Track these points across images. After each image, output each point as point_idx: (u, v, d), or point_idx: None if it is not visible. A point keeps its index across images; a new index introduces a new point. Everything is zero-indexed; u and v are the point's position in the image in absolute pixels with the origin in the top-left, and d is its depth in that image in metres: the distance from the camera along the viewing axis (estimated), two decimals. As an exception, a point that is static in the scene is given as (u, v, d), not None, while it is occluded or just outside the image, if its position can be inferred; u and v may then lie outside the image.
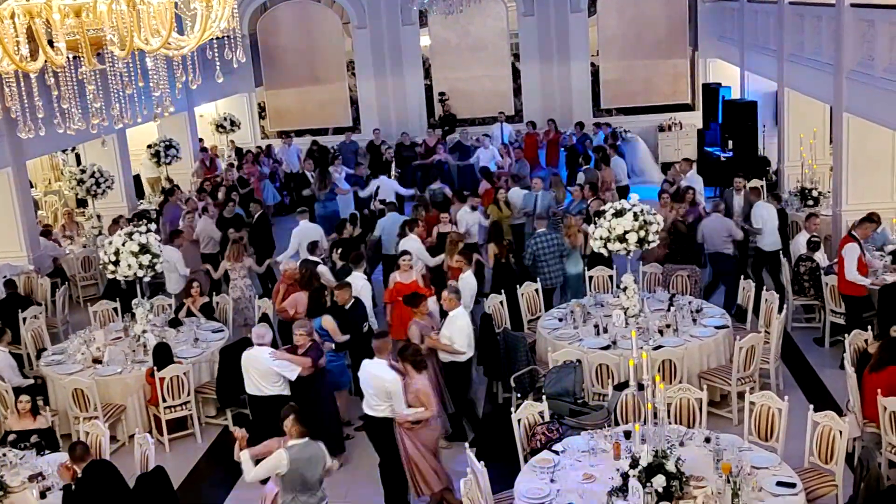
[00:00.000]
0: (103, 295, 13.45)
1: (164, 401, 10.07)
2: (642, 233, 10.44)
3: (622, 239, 10.43)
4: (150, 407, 10.38)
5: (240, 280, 12.68)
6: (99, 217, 16.99)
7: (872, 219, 11.57)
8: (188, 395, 10.22)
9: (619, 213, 10.52)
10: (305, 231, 13.93)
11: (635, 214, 10.47)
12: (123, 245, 10.78)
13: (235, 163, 21.82)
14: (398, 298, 11.10)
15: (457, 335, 9.57)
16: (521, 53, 25.62)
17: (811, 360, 11.65)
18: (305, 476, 7.18)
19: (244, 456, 7.38)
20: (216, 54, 5.14)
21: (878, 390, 8.28)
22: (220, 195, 17.28)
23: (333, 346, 10.12)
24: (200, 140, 22.81)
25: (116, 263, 10.78)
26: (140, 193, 20.60)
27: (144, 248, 10.80)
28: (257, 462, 7.33)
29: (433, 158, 21.11)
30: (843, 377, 10.39)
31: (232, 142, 24.48)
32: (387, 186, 17.30)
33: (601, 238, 10.59)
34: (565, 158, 21.12)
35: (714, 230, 12.90)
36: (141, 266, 10.78)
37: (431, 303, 10.79)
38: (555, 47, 25.08)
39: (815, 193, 15.35)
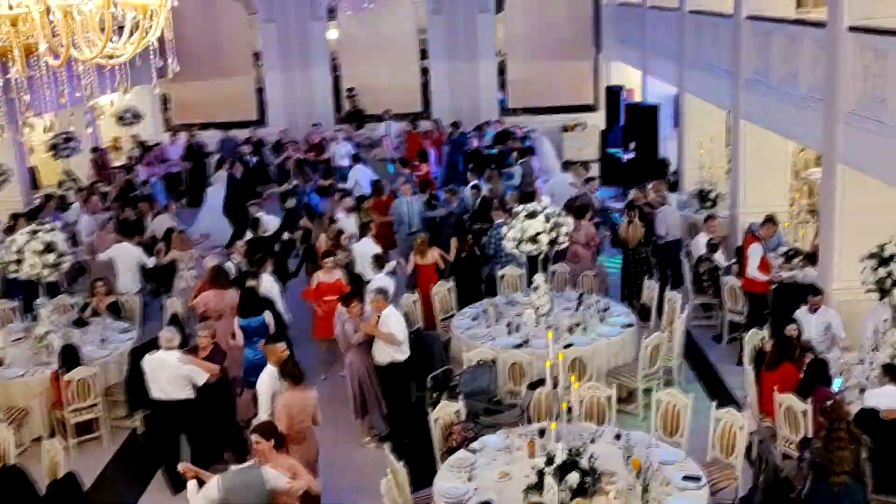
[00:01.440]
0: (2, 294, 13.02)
1: (71, 403, 9.84)
2: (553, 234, 10.71)
3: (534, 240, 10.68)
4: (54, 410, 10.11)
5: (186, 271, 12.47)
6: (-6, 210, 16.39)
7: (774, 220, 12.16)
8: (96, 397, 10.01)
9: (531, 215, 10.76)
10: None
11: (546, 217, 10.74)
12: (27, 243, 10.47)
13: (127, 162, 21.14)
14: (323, 298, 11.12)
15: (392, 328, 9.62)
16: (429, 51, 25.78)
17: (710, 357, 12.15)
18: None
19: (193, 491, 6.89)
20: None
21: (775, 387, 8.71)
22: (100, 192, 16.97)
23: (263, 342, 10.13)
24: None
25: (19, 262, 10.47)
26: (36, 186, 19.98)
27: (49, 247, 10.51)
28: None
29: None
30: (741, 373, 10.90)
31: (134, 136, 23.94)
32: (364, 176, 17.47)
33: (514, 239, 10.81)
34: (462, 159, 21.32)
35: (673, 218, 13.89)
36: (45, 266, 10.49)
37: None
38: (462, 46, 25.30)
39: (712, 195, 15.92)
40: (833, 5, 10.40)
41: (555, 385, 9.05)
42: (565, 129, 25.13)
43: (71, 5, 4.02)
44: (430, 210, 15.43)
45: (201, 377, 9.13)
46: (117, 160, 22.64)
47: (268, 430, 7.28)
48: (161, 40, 5.00)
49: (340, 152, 21.12)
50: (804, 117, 11.54)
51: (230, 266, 11.82)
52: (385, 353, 9.75)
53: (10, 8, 4.01)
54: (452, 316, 11.93)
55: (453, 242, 12.96)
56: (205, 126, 25.03)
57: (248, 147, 22.35)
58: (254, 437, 7.17)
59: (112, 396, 10.50)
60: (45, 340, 10.60)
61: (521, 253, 10.89)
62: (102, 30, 4.42)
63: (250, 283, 10.74)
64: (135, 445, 10.35)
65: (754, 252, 11.47)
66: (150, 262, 12.97)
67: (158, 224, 14.68)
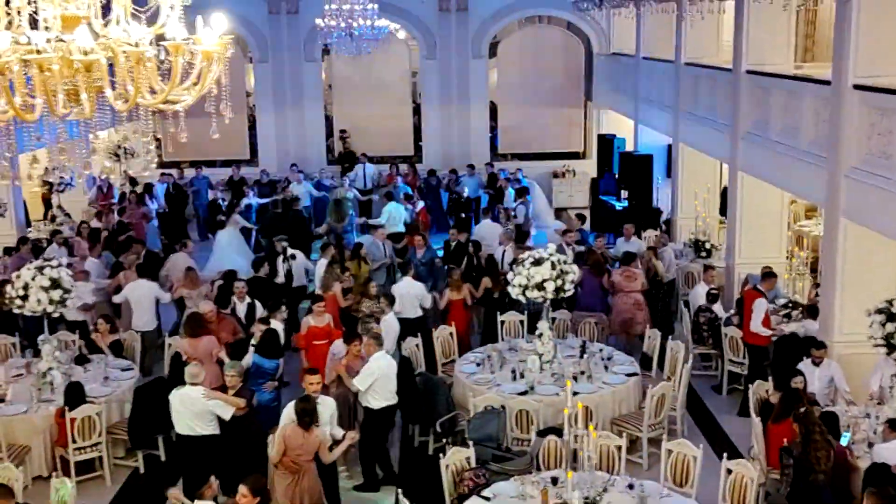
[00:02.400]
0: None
1: (75, 442, 9.74)
2: (559, 281, 10.79)
3: (540, 287, 10.75)
4: (57, 448, 10.00)
5: (196, 308, 12.38)
6: (-13, 245, 16.30)
7: (773, 274, 12.32)
8: (100, 436, 9.91)
9: (537, 262, 10.84)
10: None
11: (553, 263, 10.82)
12: (33, 279, 10.43)
13: (115, 207, 20.68)
14: (313, 342, 11.12)
15: (361, 375, 9.63)
16: (422, 95, 26.03)
17: (710, 407, 12.20)
18: None
19: None
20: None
21: (784, 440, 8.77)
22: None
23: (276, 384, 10.10)
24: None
25: (25, 298, 10.41)
26: (29, 222, 19.85)
27: (55, 283, 10.47)
28: None
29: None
30: (742, 423, 11.01)
31: (125, 172, 23.88)
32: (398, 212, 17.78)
33: (519, 286, 10.87)
34: (448, 203, 21.49)
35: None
36: (51, 301, 10.44)
37: (339, 344, 10.81)
38: (455, 91, 25.54)
39: (707, 245, 16.12)
40: (838, 64, 10.65)
41: (561, 434, 9.13)
42: (555, 175, 25.40)
43: (144, 52, 4.09)
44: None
45: (227, 411, 9.09)
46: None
47: (258, 487, 7.27)
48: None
49: (300, 191, 21.10)
50: (805, 171, 11.74)
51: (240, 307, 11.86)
52: (377, 398, 9.75)
53: (85, 53, 4.06)
54: (453, 361, 11.99)
55: (485, 281, 13.27)
56: (195, 164, 25.02)
57: (221, 187, 22.29)
58: (241, 489, 7.16)
59: (114, 435, 10.38)
60: (48, 377, 10.50)
61: (529, 300, 10.97)
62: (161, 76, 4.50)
63: (269, 325, 10.78)
64: (136, 485, 10.23)
65: (759, 307, 11.58)
66: (166, 297, 12.91)
67: (174, 262, 14.63)
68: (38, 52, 4.02)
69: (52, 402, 10.20)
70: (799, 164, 11.99)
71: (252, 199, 20.56)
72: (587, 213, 21.10)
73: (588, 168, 25.58)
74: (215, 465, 9.21)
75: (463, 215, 20.25)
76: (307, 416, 8.31)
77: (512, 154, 26.45)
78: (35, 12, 4.54)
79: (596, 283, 13.47)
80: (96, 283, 13.39)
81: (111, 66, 4.49)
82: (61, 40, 4.14)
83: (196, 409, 9.10)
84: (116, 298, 13.07)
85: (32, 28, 4.29)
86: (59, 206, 20.00)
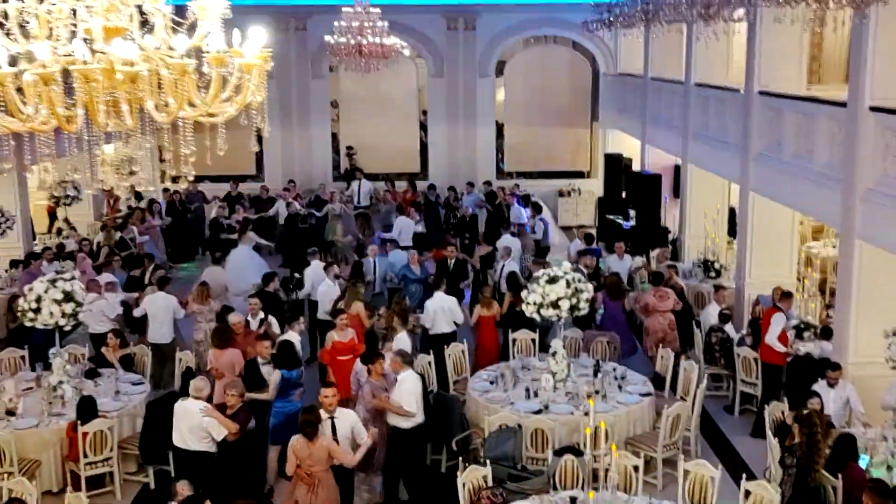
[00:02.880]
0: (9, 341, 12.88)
1: (86, 456, 9.67)
2: (574, 300, 10.76)
3: (555, 305, 10.72)
4: (67, 462, 9.93)
5: (205, 323, 12.40)
6: (-5, 257, 16.30)
7: (791, 293, 12.35)
8: (111, 450, 9.85)
9: (552, 280, 10.82)
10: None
11: (568, 282, 10.80)
12: (46, 292, 10.39)
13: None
14: (337, 358, 11.08)
15: (404, 398, 9.55)
16: (428, 113, 26.07)
17: (722, 428, 12.14)
18: None
19: None
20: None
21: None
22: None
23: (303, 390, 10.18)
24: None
25: (37, 311, 10.37)
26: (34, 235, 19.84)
27: (68, 296, 10.43)
28: None
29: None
30: (755, 444, 10.97)
31: (131, 186, 23.88)
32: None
33: (534, 304, 10.84)
34: (447, 221, 21.49)
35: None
36: (64, 315, 10.40)
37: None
38: (461, 109, 25.61)
39: (716, 265, 16.10)
40: (854, 86, 10.67)
41: (579, 453, 9.08)
42: (561, 194, 25.43)
43: (187, 64, 4.08)
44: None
45: (219, 432, 9.06)
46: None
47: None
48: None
49: (284, 211, 21.04)
50: (819, 193, 11.75)
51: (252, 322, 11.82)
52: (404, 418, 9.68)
53: (132, 65, 4.04)
54: (465, 378, 11.95)
55: (508, 296, 13.28)
56: (199, 178, 24.98)
57: (217, 202, 22.21)
58: None
59: (124, 450, 10.31)
60: (59, 391, 10.45)
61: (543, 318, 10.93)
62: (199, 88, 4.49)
63: (286, 336, 10.76)
64: (147, 500, 10.15)
65: (776, 322, 11.57)
66: (181, 313, 12.87)
67: (212, 275, 14.62)
68: (84, 62, 4.01)
69: (63, 416, 10.14)
70: (813, 185, 11.99)
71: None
72: (594, 232, 21.13)
73: (594, 187, 25.62)
74: (206, 482, 9.19)
75: (467, 238, 20.02)
76: (309, 427, 8.32)
77: (517, 172, 26.50)
78: (75, 24, 4.54)
79: (616, 306, 13.46)
80: (126, 296, 13.40)
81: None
82: (103, 52, 4.12)
83: (191, 423, 9.10)
84: (137, 312, 13.06)
85: (72, 39, 4.28)
86: (66, 220, 19.99)
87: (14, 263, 16.63)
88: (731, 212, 18.86)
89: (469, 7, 24.69)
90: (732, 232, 18.79)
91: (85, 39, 4.34)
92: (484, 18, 25.02)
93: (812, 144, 12.14)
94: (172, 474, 10.32)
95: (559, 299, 10.71)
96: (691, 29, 17.10)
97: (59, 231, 19.40)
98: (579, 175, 26.58)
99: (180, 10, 4.78)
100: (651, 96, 20.95)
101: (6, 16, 4.15)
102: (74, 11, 4.53)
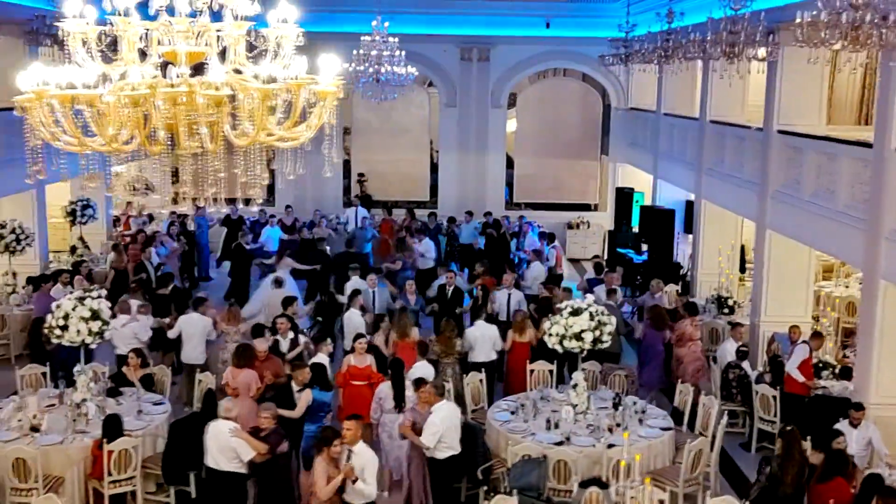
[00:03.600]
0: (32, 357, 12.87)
1: (110, 475, 9.66)
2: (597, 332, 10.82)
3: (578, 337, 10.78)
4: (90, 480, 9.92)
5: (232, 344, 12.41)
6: (14, 275, 16.30)
7: (821, 334, 12.55)
8: (135, 469, 9.84)
9: (575, 312, 10.88)
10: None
11: (591, 314, 10.86)
12: (74, 310, 10.43)
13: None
14: (351, 382, 11.10)
15: (426, 431, 9.54)
16: (440, 142, 26.24)
17: (739, 464, 12.16)
18: None
19: None
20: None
21: (830, 501, 8.75)
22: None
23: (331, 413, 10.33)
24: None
25: (64, 328, 10.40)
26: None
27: (95, 315, 10.48)
28: None
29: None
30: (773, 482, 10.93)
31: (142, 206, 24.00)
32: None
33: (557, 335, 10.90)
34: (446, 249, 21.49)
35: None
36: (90, 332, 10.44)
37: (386, 387, 10.84)
38: (473, 139, 25.76)
39: (730, 302, 16.17)
40: (880, 126, 10.81)
41: (604, 485, 9.10)
42: (569, 226, 25.55)
43: (271, 90, 4.16)
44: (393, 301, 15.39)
45: (247, 453, 9.08)
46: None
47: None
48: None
49: (273, 236, 20.92)
50: (842, 232, 11.85)
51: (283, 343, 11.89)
52: (442, 448, 9.67)
53: (217, 89, 4.13)
54: (482, 408, 11.99)
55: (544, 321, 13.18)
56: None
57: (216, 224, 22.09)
58: None
59: (145, 470, 10.29)
60: (83, 408, 10.45)
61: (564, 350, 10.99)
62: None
63: (316, 359, 10.83)
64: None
65: (799, 352, 11.66)
66: (213, 334, 12.90)
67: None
68: (172, 85, 4.09)
69: (87, 433, 10.15)
70: (834, 224, 12.10)
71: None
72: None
73: (602, 220, 25.76)
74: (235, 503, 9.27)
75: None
76: (318, 442, 8.43)
77: (526, 203, 26.65)
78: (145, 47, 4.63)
79: (657, 337, 13.55)
80: (157, 321, 13.43)
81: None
82: (192, 76, 4.21)
83: (220, 444, 9.14)
84: (171, 333, 13.07)
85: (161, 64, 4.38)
86: (80, 238, 20.04)
87: (31, 281, 16.67)
88: (742, 249, 19.02)
89: (483, 38, 24.92)
90: (742, 268, 18.93)
91: (165, 64, 4.43)
92: (498, 50, 25.24)
93: (834, 184, 12.25)
94: (193, 496, 10.38)
95: (582, 331, 10.77)
96: (707, 66, 17.31)
97: (74, 249, 19.40)
98: (587, 208, 26.77)
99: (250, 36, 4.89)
100: (663, 131, 21.13)
101: (100, 39, 4.25)
102: (146, 34, 4.62)
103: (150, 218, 23.63)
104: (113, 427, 9.76)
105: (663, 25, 16.14)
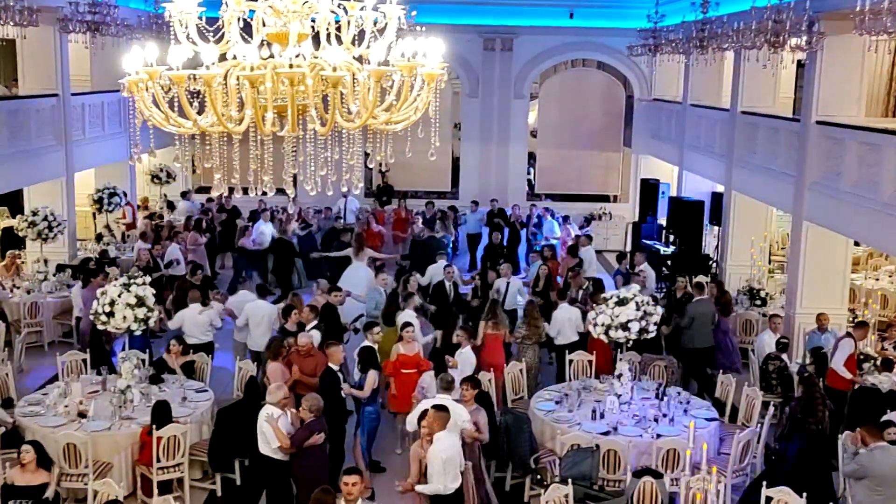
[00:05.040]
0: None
1: (159, 461, 9.66)
2: (643, 322, 10.78)
3: (625, 327, 10.74)
4: (138, 466, 9.92)
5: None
6: (46, 262, 16.30)
7: (866, 323, 12.60)
8: (183, 456, 9.84)
9: (621, 302, 10.84)
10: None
11: (637, 304, 10.82)
12: (119, 296, 10.42)
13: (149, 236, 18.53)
14: (401, 371, 11.09)
15: (430, 471, 8.78)
16: (462, 132, 26.17)
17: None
18: None
19: None
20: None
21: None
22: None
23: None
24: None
25: (111, 315, 10.39)
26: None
27: (141, 301, 10.47)
28: None
29: None
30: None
31: (164, 196, 23.97)
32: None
33: (603, 325, 10.86)
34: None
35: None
36: (136, 319, 10.43)
37: (428, 377, 10.82)
38: (495, 130, 25.67)
39: (762, 294, 16.11)
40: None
41: (657, 475, 9.08)
42: (591, 217, 25.46)
43: (386, 72, 4.12)
44: None
45: (274, 441, 9.11)
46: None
47: None
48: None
49: (265, 231, 19.69)
50: (886, 223, 11.77)
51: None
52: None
53: (335, 70, 4.08)
54: (522, 398, 11.98)
55: None
56: (229, 190, 24.87)
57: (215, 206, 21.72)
58: None
59: (192, 456, 10.28)
60: (128, 394, 10.44)
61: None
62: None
63: (366, 343, 11.06)
64: (216, 508, 10.16)
65: (843, 347, 11.61)
66: (277, 323, 12.83)
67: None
68: (291, 66, 4.05)
69: (134, 419, 10.15)
70: (877, 215, 12.01)
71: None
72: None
73: (624, 212, 25.70)
74: (275, 488, 9.34)
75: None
76: None
77: (547, 194, 26.60)
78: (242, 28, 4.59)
79: (727, 322, 14.03)
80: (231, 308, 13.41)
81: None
82: (315, 57, 4.17)
83: (259, 429, 9.21)
84: (239, 321, 13.02)
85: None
86: (106, 226, 20.03)
87: (60, 268, 16.68)
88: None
89: (507, 28, 24.82)
90: (768, 259, 18.88)
91: (265, 43, 4.39)
92: (521, 40, 25.15)
93: (877, 175, 12.16)
94: (238, 482, 10.40)
95: (629, 321, 10.73)
96: (740, 56, 17.20)
97: (100, 237, 19.39)
98: (607, 199, 26.71)
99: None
100: (689, 123, 21.04)
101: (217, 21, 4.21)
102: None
103: (171, 206, 23.57)
104: (162, 413, 9.75)
105: (698, 15, 16.08)
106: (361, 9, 4.55)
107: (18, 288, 15.66)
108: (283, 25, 4.35)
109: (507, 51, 25.33)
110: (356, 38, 4.58)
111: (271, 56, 4.29)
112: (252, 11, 4.43)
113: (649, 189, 22.74)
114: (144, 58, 4.13)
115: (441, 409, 8.77)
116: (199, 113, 4.49)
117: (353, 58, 4.35)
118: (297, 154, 4.96)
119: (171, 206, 23.45)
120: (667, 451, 9.81)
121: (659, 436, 10.17)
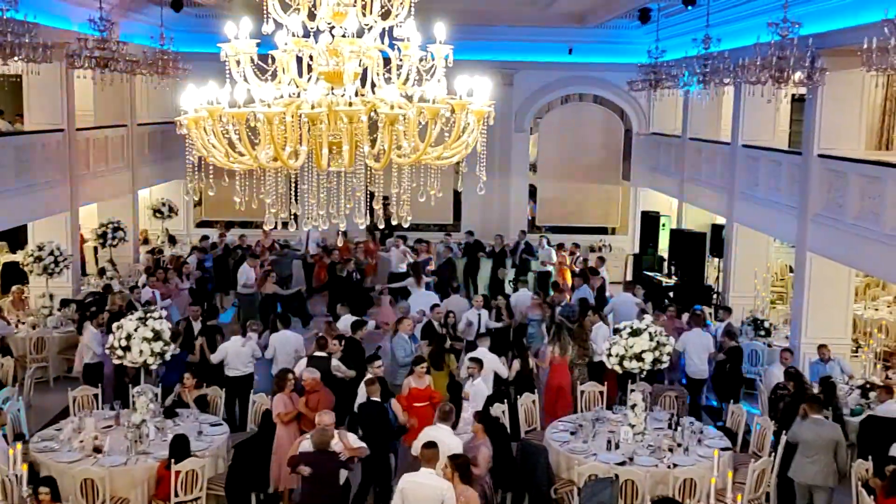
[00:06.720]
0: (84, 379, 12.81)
1: (177, 495, 9.65)
2: (657, 353, 10.87)
3: (639, 358, 10.83)
4: (155, 501, 9.91)
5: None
6: (51, 296, 16.32)
7: None
8: (200, 490, 9.83)
9: (635, 333, 10.94)
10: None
11: (650, 335, 10.92)
12: (136, 330, 10.47)
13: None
14: (413, 404, 11.14)
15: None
16: (463, 165, 26.22)
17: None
18: None
19: None
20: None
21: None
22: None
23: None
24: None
25: (127, 349, 10.43)
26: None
27: (157, 335, 10.51)
28: None
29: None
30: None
31: (166, 230, 24.05)
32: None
33: (617, 356, 10.95)
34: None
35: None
36: (153, 353, 10.47)
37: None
38: (497, 162, 25.85)
39: (766, 325, 16.23)
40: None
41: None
42: (591, 249, 25.60)
43: (439, 110, 4.25)
44: None
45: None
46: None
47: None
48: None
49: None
50: (889, 255, 11.92)
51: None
52: None
53: (392, 108, 4.20)
54: (535, 429, 12.02)
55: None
56: (229, 224, 25.04)
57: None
58: None
59: (208, 490, 10.26)
60: (143, 429, 10.45)
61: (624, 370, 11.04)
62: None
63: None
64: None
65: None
66: (303, 352, 12.84)
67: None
68: (350, 104, 4.16)
69: (150, 454, 10.15)
70: (881, 247, 12.18)
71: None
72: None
73: (624, 244, 25.87)
74: None
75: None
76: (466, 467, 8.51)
77: (548, 227, 26.76)
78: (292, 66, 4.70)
79: None
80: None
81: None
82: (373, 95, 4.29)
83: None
84: (268, 353, 13.10)
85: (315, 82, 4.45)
86: (110, 260, 20.07)
87: (65, 302, 16.68)
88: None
89: (508, 63, 25.07)
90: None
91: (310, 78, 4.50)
92: (522, 75, 25.42)
93: (879, 206, 12.34)
94: (254, 516, 10.39)
95: (643, 352, 10.83)
96: (740, 91, 17.45)
97: (103, 271, 19.43)
98: (606, 231, 26.90)
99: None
100: (689, 156, 21.27)
101: (272, 59, 4.34)
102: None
103: (172, 240, 23.65)
104: (180, 447, 9.75)
105: (699, 50, 16.32)
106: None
107: (23, 323, 15.66)
108: (336, 65, 4.47)
109: (507, 85, 25.59)
110: (406, 76, 4.70)
111: (329, 93, 4.40)
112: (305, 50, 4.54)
113: (650, 221, 22.93)
114: (203, 96, 4.25)
115: (430, 446, 8.87)
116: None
117: (403, 96, 4.48)
118: (345, 188, 5.06)
119: (172, 240, 23.55)
120: (683, 480, 9.87)
121: (675, 465, 10.23)
